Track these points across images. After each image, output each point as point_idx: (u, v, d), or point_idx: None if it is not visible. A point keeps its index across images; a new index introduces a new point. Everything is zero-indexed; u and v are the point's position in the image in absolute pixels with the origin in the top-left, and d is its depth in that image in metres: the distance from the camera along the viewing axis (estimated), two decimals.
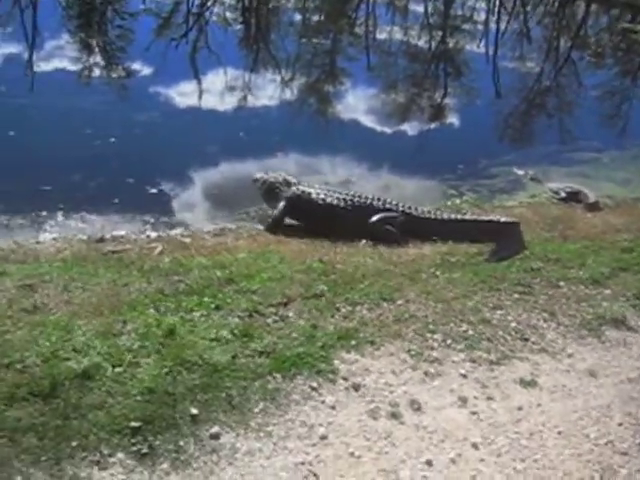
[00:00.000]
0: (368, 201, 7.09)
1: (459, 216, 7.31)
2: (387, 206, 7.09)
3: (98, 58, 14.18)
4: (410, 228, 6.96)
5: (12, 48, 13.86)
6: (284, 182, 7.41)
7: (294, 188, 7.30)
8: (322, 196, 7.14)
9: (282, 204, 7.20)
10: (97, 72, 12.94)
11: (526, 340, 4.95)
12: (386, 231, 6.88)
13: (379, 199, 7.16)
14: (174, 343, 4.35)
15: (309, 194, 7.19)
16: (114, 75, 12.96)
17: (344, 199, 7.07)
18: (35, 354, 4.09)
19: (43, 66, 12.73)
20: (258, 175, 7.66)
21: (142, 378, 3.99)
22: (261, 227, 7.19)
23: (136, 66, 13.44)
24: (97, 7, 20.05)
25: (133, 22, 18.13)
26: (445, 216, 7.20)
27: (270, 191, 7.42)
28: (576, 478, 3.80)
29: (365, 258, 6.16)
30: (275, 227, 7.11)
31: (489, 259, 6.34)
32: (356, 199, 7.08)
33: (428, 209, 7.30)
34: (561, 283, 5.80)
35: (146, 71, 13.25)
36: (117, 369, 4.07)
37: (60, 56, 13.47)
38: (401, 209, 7.08)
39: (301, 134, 10.21)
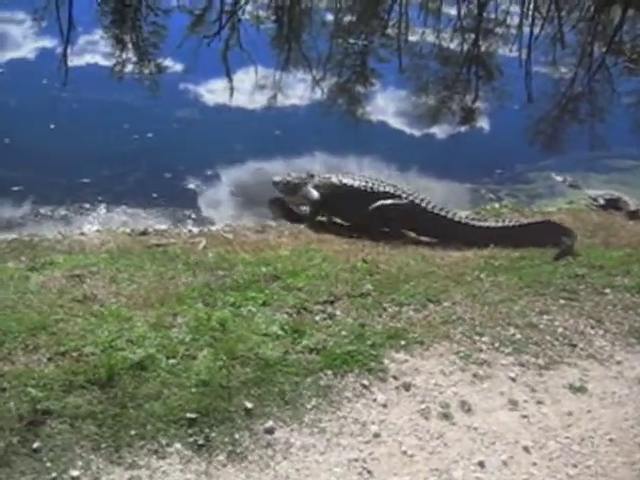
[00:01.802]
0: (384, 187, 7.06)
1: (478, 222, 7.05)
2: (398, 192, 7.03)
3: (131, 54, 14.32)
4: (416, 221, 6.97)
5: (48, 42, 14.04)
6: (307, 176, 7.53)
7: (317, 178, 7.42)
8: (341, 179, 7.22)
9: (310, 190, 7.30)
10: (130, 68, 13.06)
11: (574, 346, 4.92)
12: (385, 222, 6.94)
13: (395, 186, 7.14)
14: (226, 337, 4.39)
15: (329, 178, 7.30)
16: (147, 71, 13.08)
17: (362, 182, 7.10)
18: (92, 343, 4.15)
19: (76, 60, 12.86)
20: (277, 178, 7.71)
21: (197, 370, 4.04)
22: (302, 225, 7.21)
23: (168, 63, 13.54)
24: (131, 3, 20.27)
25: (166, 19, 18.30)
26: (459, 218, 7.00)
27: (295, 187, 7.50)
28: None
29: (408, 259, 6.16)
30: (315, 214, 7.26)
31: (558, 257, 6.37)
32: (374, 184, 7.09)
33: (442, 206, 7.09)
34: (607, 290, 5.75)
35: (178, 68, 13.34)
36: (171, 360, 4.12)
37: (93, 51, 13.61)
38: (411, 198, 7.00)
39: (330, 134, 10.19)
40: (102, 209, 7.06)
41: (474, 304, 5.28)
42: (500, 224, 6.98)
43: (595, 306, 5.49)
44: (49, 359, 4.05)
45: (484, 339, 4.83)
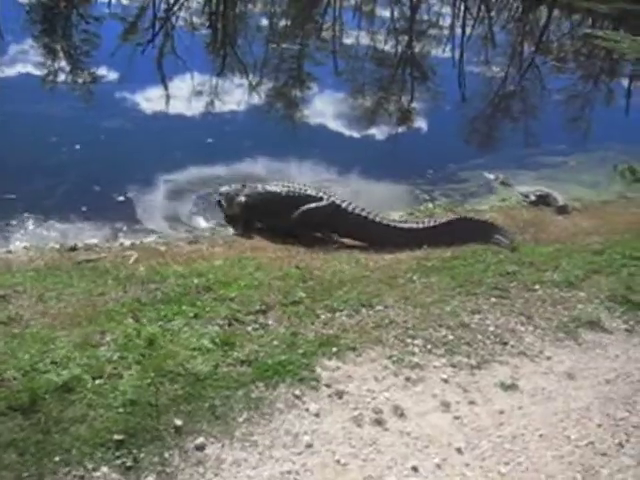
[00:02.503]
0: (306, 192, 7.12)
1: (396, 223, 7.17)
2: (320, 195, 7.10)
3: (63, 63, 13.99)
4: (338, 224, 7.04)
5: None
6: (241, 187, 7.54)
7: (247, 188, 7.45)
8: (265, 186, 7.30)
9: (239, 200, 7.33)
10: (62, 77, 12.77)
11: (505, 344, 4.99)
12: (311, 226, 7.01)
13: (317, 189, 7.24)
14: (155, 353, 4.30)
15: (256, 187, 7.37)
16: (80, 80, 12.79)
17: (284, 189, 7.15)
18: (13, 367, 4.00)
19: (7, 71, 12.51)
20: (222, 189, 7.69)
21: (124, 390, 3.93)
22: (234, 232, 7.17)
23: (102, 71, 13.28)
24: (61, 11, 19.82)
25: (99, 26, 17.95)
26: (380, 219, 7.09)
27: (231, 198, 7.48)
28: None
29: (342, 264, 6.17)
30: (242, 222, 7.26)
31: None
32: (296, 189, 7.14)
33: (364, 208, 7.14)
34: (536, 286, 5.87)
35: (112, 76, 13.09)
36: (98, 381, 4.01)
37: (24, 61, 13.25)
38: (332, 199, 7.07)
39: (269, 139, 10.19)
40: (29, 225, 6.84)
41: (406, 307, 5.31)
42: (420, 225, 7.12)
43: (525, 303, 5.60)
44: None
45: (416, 342, 4.86)
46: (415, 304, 5.37)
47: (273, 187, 7.26)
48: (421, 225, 7.11)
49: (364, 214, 7.05)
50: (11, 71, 12.56)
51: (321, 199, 7.06)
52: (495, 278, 5.95)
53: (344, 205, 7.08)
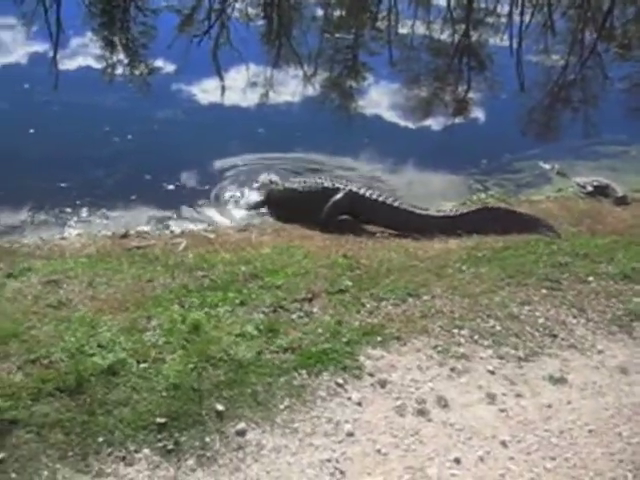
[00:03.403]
0: (323, 184, 7.14)
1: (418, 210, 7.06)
2: (336, 186, 7.08)
3: (121, 55, 14.27)
4: (359, 210, 7.00)
5: (37, 46, 13.98)
6: (269, 183, 7.77)
7: (273, 184, 7.67)
8: (286, 184, 7.43)
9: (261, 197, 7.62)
10: (120, 69, 13.00)
11: (555, 336, 4.85)
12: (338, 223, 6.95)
13: (332, 180, 7.22)
14: (199, 339, 4.34)
15: (277, 183, 7.63)
16: (136, 72, 13.02)
17: (302, 185, 7.24)
18: (61, 350, 4.10)
19: (68, 64, 12.82)
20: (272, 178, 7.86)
21: (167, 374, 3.99)
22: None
23: (158, 63, 13.48)
24: (119, 4, 20.22)
25: (155, 19, 18.24)
26: (398, 205, 7.01)
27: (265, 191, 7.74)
28: (608, 477, 3.73)
29: (390, 253, 6.10)
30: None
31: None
32: (312, 184, 7.19)
33: (382, 193, 7.12)
34: (590, 278, 5.68)
35: (168, 68, 13.28)
36: (142, 365, 4.07)
37: (84, 54, 13.56)
38: (348, 188, 7.04)
39: (324, 130, 10.14)
40: (83, 213, 7.02)
41: (454, 297, 5.22)
42: (441, 214, 7.09)
43: (577, 295, 5.43)
44: (19, 367, 4.00)
45: (463, 332, 4.77)
46: (463, 294, 5.27)
47: (291, 184, 7.38)
48: (441, 214, 7.09)
49: (382, 199, 6.98)
50: (72, 64, 12.87)
51: (337, 190, 7.02)
52: (547, 269, 5.78)
53: (362, 192, 7.02)
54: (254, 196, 7.74)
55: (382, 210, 6.97)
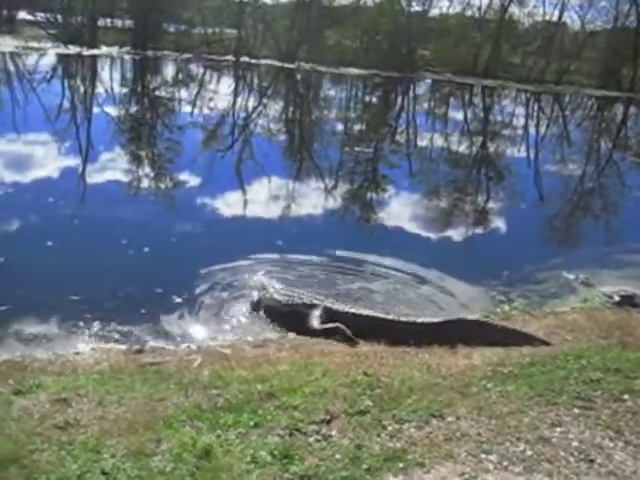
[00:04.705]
0: (302, 299, 7.49)
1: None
2: (313, 302, 7.41)
3: (147, 169, 14.72)
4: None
5: (68, 162, 14.48)
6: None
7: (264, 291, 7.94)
8: (274, 296, 7.71)
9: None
10: (145, 183, 13.36)
11: (591, 462, 4.50)
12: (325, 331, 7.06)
13: (311, 297, 7.51)
14: (209, 466, 4.08)
15: (267, 290, 7.92)
16: (161, 186, 13.35)
17: (285, 298, 7.59)
18: (60, 477, 3.87)
19: (95, 178, 13.20)
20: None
21: None
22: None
23: (183, 177, 13.83)
24: (147, 121, 21.04)
25: (181, 135, 18.90)
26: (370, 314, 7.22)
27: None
28: None
29: (412, 370, 5.85)
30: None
31: None
32: (294, 299, 7.53)
33: (354, 306, 7.42)
34: (625, 396, 5.36)
35: (192, 182, 13.60)
36: None
37: (112, 168, 14.00)
38: (322, 304, 7.35)
39: (345, 242, 10.14)
40: (96, 327, 6.90)
41: (480, 418, 4.92)
42: (411, 320, 7.13)
43: (613, 414, 5.09)
44: None
45: (491, 457, 4.45)
46: (490, 415, 4.97)
47: (278, 296, 7.67)
48: (417, 321, 7.11)
49: (352, 311, 7.26)
50: (99, 178, 13.26)
51: (314, 306, 7.34)
52: (578, 386, 5.48)
53: (335, 307, 7.33)
54: (256, 295, 7.92)
55: (358, 320, 7.11)
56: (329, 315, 7.23)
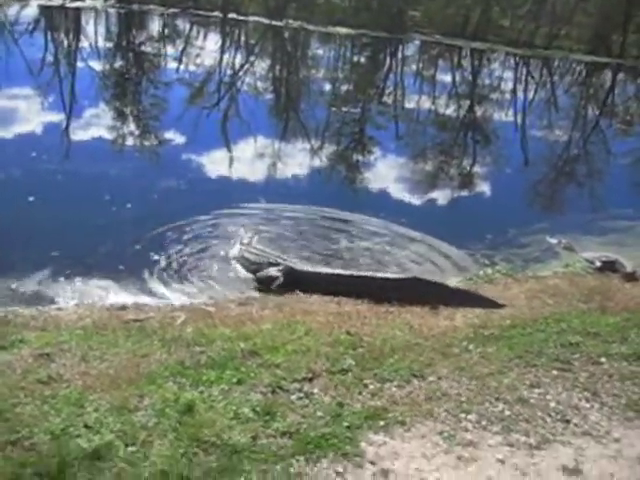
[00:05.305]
0: (268, 259, 7.67)
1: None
2: (278, 261, 7.60)
3: (132, 126, 14.48)
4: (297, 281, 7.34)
5: (51, 117, 14.21)
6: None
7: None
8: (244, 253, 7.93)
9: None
10: (130, 140, 13.17)
11: (567, 422, 4.59)
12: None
13: (278, 257, 7.70)
14: (192, 421, 4.12)
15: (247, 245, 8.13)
16: (146, 143, 13.17)
17: (253, 255, 7.80)
18: (44, 431, 3.88)
19: (80, 134, 12.98)
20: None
21: (156, 460, 3.74)
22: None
23: (168, 135, 13.65)
24: (132, 77, 20.68)
25: (167, 91, 18.59)
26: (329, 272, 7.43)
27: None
28: None
29: (394, 330, 5.90)
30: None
31: None
32: (260, 256, 7.74)
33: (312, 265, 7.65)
34: (602, 359, 5.45)
35: (178, 139, 13.43)
36: (130, 448, 3.84)
37: (96, 124, 13.76)
38: (286, 263, 7.55)
39: (330, 202, 10.10)
40: (75, 283, 6.88)
41: (461, 378, 4.99)
42: (368, 275, 7.34)
43: (590, 377, 5.20)
44: None
45: (470, 417, 4.53)
46: (470, 376, 5.05)
47: (249, 255, 7.86)
48: (369, 275, 7.33)
49: (314, 270, 7.48)
50: (83, 134, 13.04)
51: (278, 264, 7.52)
52: (557, 349, 5.57)
53: (297, 267, 7.49)
54: (233, 252, 8.03)
55: (316, 277, 7.33)
56: (290, 273, 7.39)
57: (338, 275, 7.31)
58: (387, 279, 7.26)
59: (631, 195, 12.37)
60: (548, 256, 8.90)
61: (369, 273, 7.42)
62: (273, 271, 7.43)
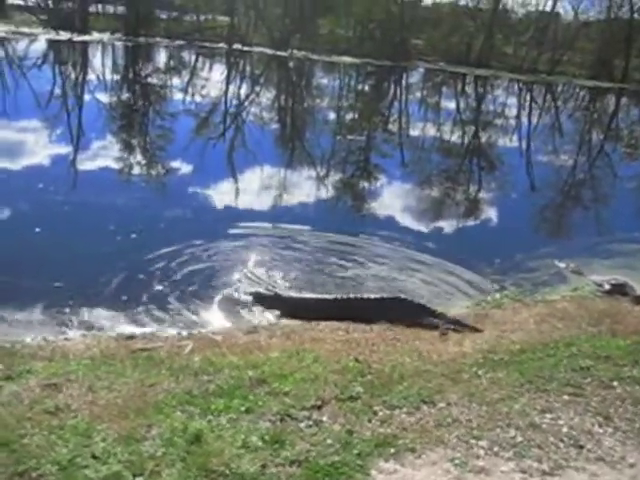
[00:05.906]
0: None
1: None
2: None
3: (138, 157, 14.63)
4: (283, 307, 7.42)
5: (59, 149, 14.36)
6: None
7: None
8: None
9: None
10: (136, 170, 13.29)
11: (581, 447, 4.52)
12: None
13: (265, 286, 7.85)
14: (200, 450, 4.07)
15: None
16: (152, 173, 13.28)
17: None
18: (51, 461, 3.85)
19: (87, 165, 13.11)
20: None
21: None
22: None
23: (174, 164, 13.76)
24: (139, 108, 20.92)
25: (173, 122, 18.79)
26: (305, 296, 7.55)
27: None
28: None
29: (403, 357, 5.86)
30: None
31: None
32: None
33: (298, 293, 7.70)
34: (614, 383, 5.39)
35: (184, 169, 13.53)
36: (138, 478, 3.79)
37: (103, 155, 13.90)
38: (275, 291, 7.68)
39: (336, 230, 10.10)
40: (80, 313, 6.86)
41: (471, 404, 4.93)
42: (344, 297, 7.37)
43: (602, 401, 5.12)
44: None
45: (482, 443, 4.46)
46: (480, 401, 4.99)
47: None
48: (345, 297, 7.36)
49: (295, 296, 7.54)
50: (90, 165, 13.16)
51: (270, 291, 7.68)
52: (568, 373, 5.51)
53: (283, 294, 7.57)
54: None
55: (299, 305, 7.39)
56: (277, 301, 7.47)
57: (323, 300, 7.38)
58: (369, 299, 7.30)
59: (638, 218, 12.36)
60: (556, 280, 8.87)
61: (352, 295, 7.45)
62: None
